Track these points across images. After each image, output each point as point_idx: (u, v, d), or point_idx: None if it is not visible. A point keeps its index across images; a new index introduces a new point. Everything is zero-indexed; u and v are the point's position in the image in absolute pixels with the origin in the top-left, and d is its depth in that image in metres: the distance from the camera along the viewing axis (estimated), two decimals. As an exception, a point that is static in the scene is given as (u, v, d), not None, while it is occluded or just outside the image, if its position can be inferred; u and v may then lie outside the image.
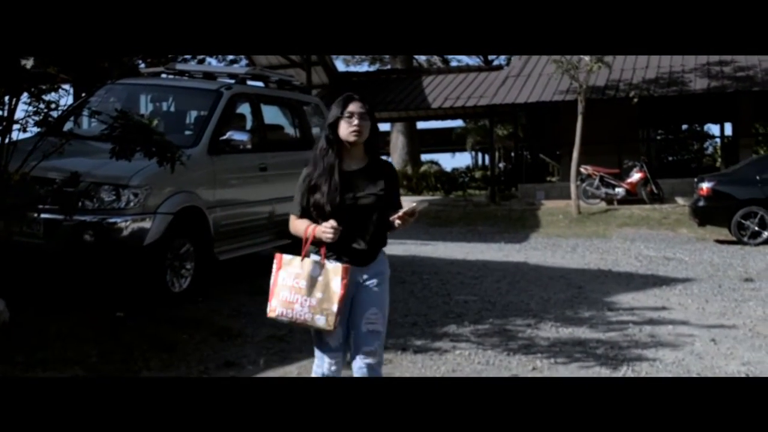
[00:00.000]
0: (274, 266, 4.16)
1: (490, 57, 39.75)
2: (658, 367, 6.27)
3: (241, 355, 6.43)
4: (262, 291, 8.57)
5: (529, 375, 6.00)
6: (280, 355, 6.47)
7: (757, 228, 14.55)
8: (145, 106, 9.75)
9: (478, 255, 12.95)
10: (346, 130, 4.09)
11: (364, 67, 38.00)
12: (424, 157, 35.17)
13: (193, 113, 9.55)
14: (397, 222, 4.04)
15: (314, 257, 4.07)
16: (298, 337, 6.95)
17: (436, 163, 36.84)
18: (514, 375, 5.97)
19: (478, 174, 31.02)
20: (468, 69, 25.59)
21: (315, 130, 11.30)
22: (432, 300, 8.79)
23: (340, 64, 40.04)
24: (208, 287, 8.42)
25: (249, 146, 9.03)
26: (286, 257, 4.13)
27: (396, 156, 29.98)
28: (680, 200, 19.42)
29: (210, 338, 6.84)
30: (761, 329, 7.58)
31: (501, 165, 31.19)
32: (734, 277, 10.63)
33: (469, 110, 25.03)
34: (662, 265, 11.90)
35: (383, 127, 37.38)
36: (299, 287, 4.03)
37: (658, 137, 32.47)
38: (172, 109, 9.83)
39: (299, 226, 4.18)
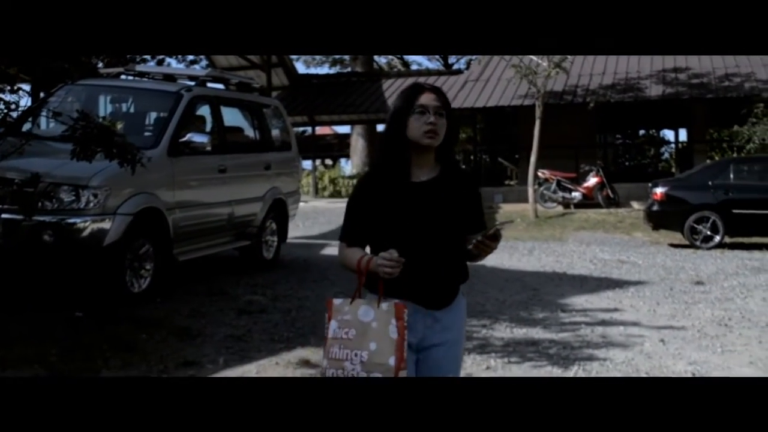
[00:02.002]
0: (327, 315, 3.22)
1: (450, 60, 40.07)
2: (608, 367, 6.45)
3: (200, 354, 6.50)
4: (220, 292, 8.74)
5: (483, 374, 6.14)
6: (240, 354, 6.55)
7: (709, 232, 14.83)
8: (104, 107, 9.78)
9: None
10: (417, 130, 3.20)
11: (325, 70, 38.04)
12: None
13: (153, 115, 9.59)
14: (475, 249, 3.16)
15: (369, 297, 3.17)
16: (257, 337, 7.06)
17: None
18: (469, 374, 6.11)
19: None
20: (428, 72, 25.81)
21: (274, 132, 11.42)
22: (389, 301, 8.89)
23: (300, 66, 40.11)
24: (168, 288, 8.47)
25: (208, 148, 9.11)
26: (337, 302, 3.19)
27: (356, 159, 30.08)
28: (635, 204, 19.73)
29: (169, 338, 6.90)
30: (709, 330, 7.80)
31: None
32: (686, 280, 10.87)
33: (429, 114, 25.19)
34: (616, 268, 12.12)
35: (343, 129, 37.57)
36: (348, 338, 3.12)
37: (616, 142, 32.96)
38: (132, 110, 9.87)
39: (350, 256, 3.22)
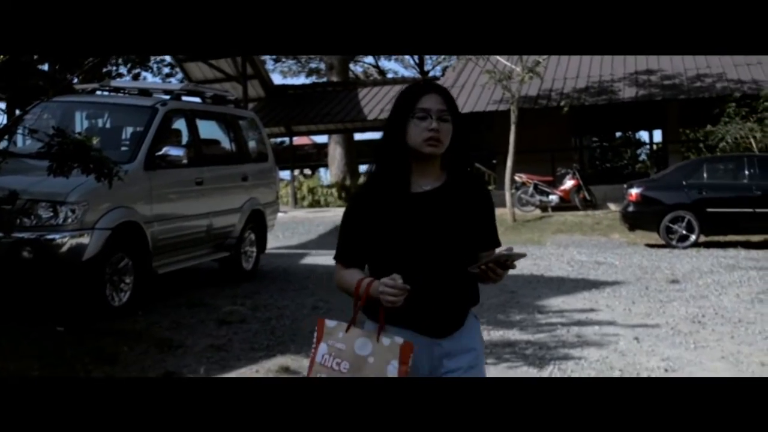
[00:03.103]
0: (315, 335, 2.90)
1: (426, 68, 40.30)
2: (583, 365, 6.57)
3: (181, 365, 6.57)
4: (200, 303, 8.79)
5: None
6: (220, 364, 6.62)
7: (684, 232, 15.02)
8: (80, 123, 9.83)
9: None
10: (418, 137, 2.84)
11: (301, 80, 38.13)
12: (363, 168, 35.43)
13: (129, 129, 9.65)
14: (481, 274, 2.81)
15: (368, 327, 2.86)
16: (238, 346, 7.13)
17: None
18: (447, 376, 6.21)
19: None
20: (403, 81, 25.90)
21: (251, 144, 11.50)
22: (369, 308, 8.98)
23: (276, 77, 40.16)
24: (148, 301, 8.53)
25: (185, 161, 9.17)
26: (330, 324, 2.88)
27: (334, 168, 30.15)
28: (612, 206, 19.92)
29: (151, 349, 6.96)
30: (682, 327, 7.94)
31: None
32: (661, 279, 11.02)
33: (405, 121, 25.33)
34: (593, 270, 12.26)
35: (321, 139, 37.66)
36: (340, 371, 2.77)
37: (593, 145, 33.21)
38: (108, 125, 9.92)
39: (347, 279, 2.89)
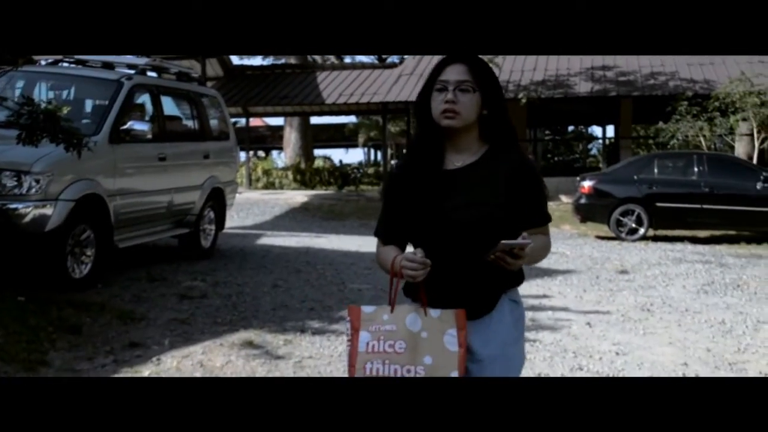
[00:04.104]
0: (348, 325, 2.76)
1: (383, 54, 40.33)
2: (538, 347, 6.79)
3: (145, 336, 6.64)
4: (160, 278, 8.86)
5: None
6: (184, 336, 6.71)
7: (634, 225, 15.36)
8: (44, 94, 9.79)
9: (371, 248, 13.20)
10: (435, 109, 2.77)
11: (258, 61, 37.90)
12: (317, 152, 35.51)
13: (92, 102, 9.64)
14: (495, 262, 2.64)
15: (413, 304, 2.78)
16: (200, 320, 7.23)
17: (329, 159, 37.25)
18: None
19: (371, 170, 31.50)
20: (362, 66, 26.00)
21: (213, 122, 11.55)
22: (327, 288, 9.13)
23: (234, 57, 39.90)
24: (107, 274, 8.57)
25: (149, 136, 9.21)
26: (368, 310, 2.75)
27: (289, 151, 30.18)
28: (564, 198, 20.25)
29: (114, 321, 7.03)
30: (632, 315, 8.20)
31: (393, 161, 31.79)
32: (611, 270, 11.31)
33: (363, 107, 25.47)
34: (546, 258, 12.48)
35: (275, 121, 37.61)
36: (396, 352, 2.66)
37: (545, 138, 33.63)
38: (71, 97, 9.89)
39: (383, 256, 2.88)
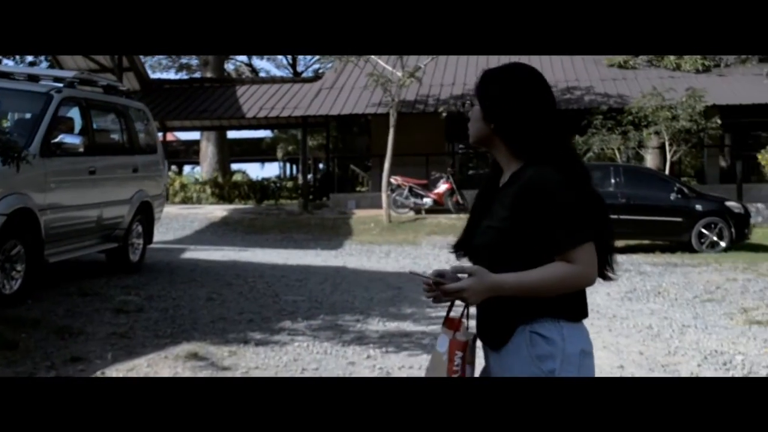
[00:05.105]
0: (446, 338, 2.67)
1: (299, 69, 40.42)
2: (479, 354, 6.93)
3: (86, 350, 6.57)
4: (92, 293, 8.77)
5: (365, 363, 6.48)
6: (126, 350, 6.66)
7: (554, 235, 15.70)
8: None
9: (297, 260, 13.37)
10: None
11: (171, 75, 37.55)
12: (234, 166, 35.27)
13: (21, 115, 9.47)
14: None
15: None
16: (141, 334, 7.18)
17: (245, 173, 37.06)
18: (351, 362, 6.45)
19: (289, 184, 31.43)
20: (282, 80, 26.01)
21: (141, 135, 11.45)
22: (262, 300, 9.14)
23: (151, 71, 39.44)
24: (37, 290, 8.43)
25: (80, 149, 9.09)
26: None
27: (206, 165, 29.91)
28: (484, 210, 20.54)
29: (50, 336, 6.92)
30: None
31: (310, 176, 31.80)
32: (536, 279, 11.56)
33: (283, 120, 25.46)
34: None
35: (188, 136, 37.22)
36: (428, 368, 2.74)
37: (460, 151, 34.04)
38: (-2, 110, 9.70)
39: None
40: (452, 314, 2.69)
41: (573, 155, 2.63)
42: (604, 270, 2.65)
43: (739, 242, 15.77)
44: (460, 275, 2.57)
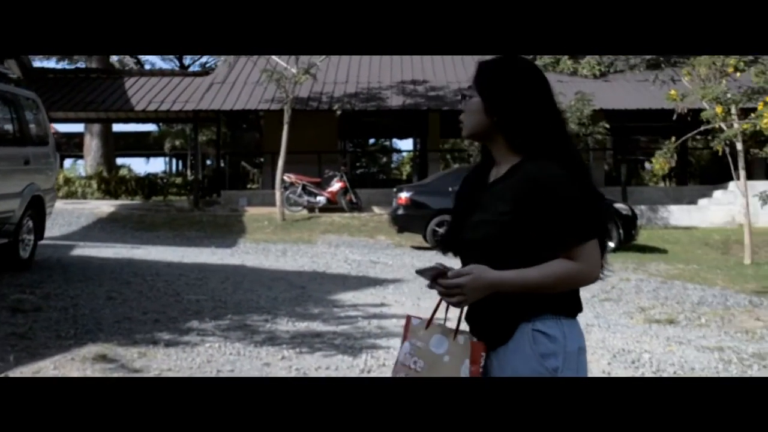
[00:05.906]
0: (403, 332, 2.70)
1: (186, 62, 39.62)
2: (393, 354, 6.87)
3: (-15, 353, 6.24)
4: (-17, 290, 8.33)
5: (280, 364, 6.36)
6: (28, 351, 6.33)
7: (449, 235, 15.83)
8: None
9: (193, 258, 13.08)
10: None
11: (52, 63, 36.18)
12: (118, 161, 34.35)
13: None
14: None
15: (441, 325, 2.61)
16: (42, 335, 6.86)
17: (129, 168, 36.20)
18: (266, 363, 6.31)
19: (178, 180, 30.85)
20: (172, 73, 25.44)
21: (31, 126, 10.98)
22: (164, 299, 8.88)
23: (34, 57, 38.03)
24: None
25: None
26: (415, 322, 2.67)
27: (90, 159, 29.04)
28: (377, 209, 20.61)
29: (-57, 337, 6.56)
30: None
31: (203, 171, 31.29)
32: (436, 278, 11.60)
33: (173, 114, 24.91)
34: (371, 268, 12.71)
35: (74, 128, 36.06)
36: (416, 370, 2.57)
37: (349, 150, 34.11)
38: None
39: None
40: (441, 314, 2.62)
41: (574, 151, 2.58)
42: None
43: (628, 243, 16.21)
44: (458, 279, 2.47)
